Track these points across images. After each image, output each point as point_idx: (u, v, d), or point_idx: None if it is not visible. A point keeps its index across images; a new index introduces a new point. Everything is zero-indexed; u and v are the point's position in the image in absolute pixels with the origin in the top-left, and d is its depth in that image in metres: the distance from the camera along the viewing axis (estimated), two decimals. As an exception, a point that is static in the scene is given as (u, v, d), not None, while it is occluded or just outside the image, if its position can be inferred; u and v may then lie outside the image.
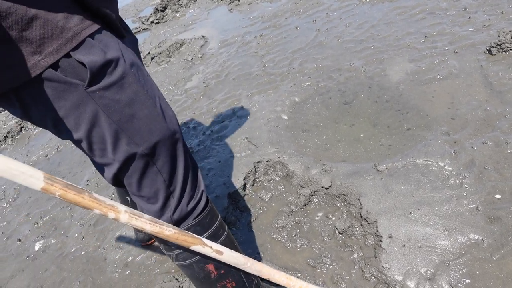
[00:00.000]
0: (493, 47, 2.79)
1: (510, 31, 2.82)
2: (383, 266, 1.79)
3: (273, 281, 1.50)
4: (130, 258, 2.27)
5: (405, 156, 2.27)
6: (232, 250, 1.33)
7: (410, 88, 2.83)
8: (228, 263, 1.32)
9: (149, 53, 4.74)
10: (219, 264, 1.33)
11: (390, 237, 1.88)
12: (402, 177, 2.15)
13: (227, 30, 4.84)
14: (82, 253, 2.42)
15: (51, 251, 2.54)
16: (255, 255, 2.09)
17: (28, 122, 4.07)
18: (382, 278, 1.76)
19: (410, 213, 1.95)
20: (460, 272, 1.69)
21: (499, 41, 2.79)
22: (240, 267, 1.36)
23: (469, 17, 3.34)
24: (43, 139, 3.79)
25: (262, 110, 3.05)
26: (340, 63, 3.36)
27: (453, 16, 3.45)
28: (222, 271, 1.36)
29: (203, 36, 4.82)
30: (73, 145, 3.53)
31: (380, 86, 2.97)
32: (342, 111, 2.90)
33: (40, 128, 4.03)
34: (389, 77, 3.01)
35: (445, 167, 2.13)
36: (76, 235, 2.58)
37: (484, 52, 2.88)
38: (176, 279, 2.00)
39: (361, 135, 2.65)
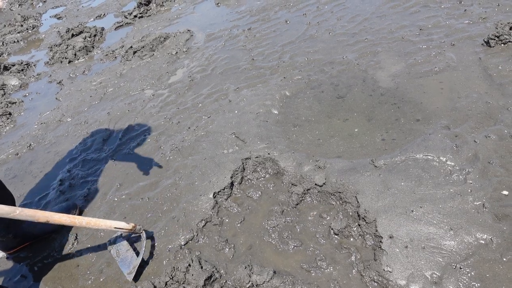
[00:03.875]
0: (492, 39, 2.68)
1: (509, 23, 2.72)
2: (384, 270, 1.62)
3: (53, 222, 1.61)
4: (105, 264, 2.05)
5: (404, 151, 2.12)
6: None
7: (406, 81, 2.69)
8: None
9: (131, 47, 4.50)
10: None
11: (390, 237, 1.72)
12: (401, 173, 1.99)
13: (213, 24, 4.65)
14: (50, 260, 2.19)
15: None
16: (243, 257, 1.90)
17: (-1, 118, 3.79)
18: (384, 282, 1.60)
19: (412, 211, 1.79)
20: (469, 275, 1.54)
21: (497, 33, 2.68)
22: (8, 216, 1.44)
23: (465, 10, 3.23)
24: (14, 136, 3.53)
25: (250, 104, 2.87)
26: (332, 56, 3.21)
27: (448, 9, 3.34)
28: None
29: (188, 30, 4.61)
30: (47, 143, 3.29)
31: (375, 79, 2.83)
32: (335, 105, 2.74)
33: (12, 125, 3.77)
34: (384, 70, 2.87)
35: (447, 162, 1.99)
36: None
37: (482, 44, 2.77)
38: (154, 286, 1.80)
39: (356, 129, 2.49)
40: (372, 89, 2.76)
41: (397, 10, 3.59)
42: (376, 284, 1.63)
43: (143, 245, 1.96)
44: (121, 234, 2.12)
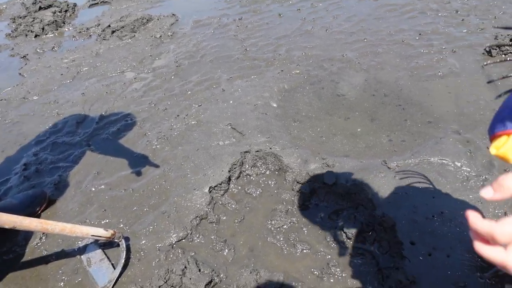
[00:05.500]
0: (493, 48, 2.68)
1: (508, 35, 2.73)
2: (407, 279, 1.49)
3: (20, 229, 1.35)
4: (80, 263, 1.76)
5: (416, 154, 2.02)
6: None
7: (410, 84, 2.62)
8: None
9: (109, 25, 4.14)
10: None
11: (412, 244, 1.60)
12: (417, 176, 1.88)
13: (200, 11, 4.40)
14: (11, 256, 1.85)
15: None
16: (245, 260, 1.70)
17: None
18: (408, 293, 1.46)
19: (433, 217, 1.68)
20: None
21: (498, 43, 2.68)
22: None
23: (462, 19, 3.24)
24: (-32, 111, 3.07)
25: (247, 96, 2.67)
26: (331, 53, 3.09)
27: (446, 17, 3.35)
28: None
29: (173, 14, 4.32)
30: (8, 122, 2.88)
31: (377, 79, 2.73)
32: (336, 103, 2.61)
33: (-34, 99, 3.29)
34: (386, 71, 2.79)
35: (463, 168, 1.90)
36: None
37: (483, 53, 2.76)
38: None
39: (358, 129, 2.38)
40: (374, 89, 2.66)
41: (394, 14, 3.56)
42: (396, 294, 1.49)
43: (123, 256, 1.68)
44: (95, 240, 1.81)
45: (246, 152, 2.19)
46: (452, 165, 1.92)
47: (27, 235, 1.94)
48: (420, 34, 3.15)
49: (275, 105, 2.59)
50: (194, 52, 3.44)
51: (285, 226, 1.83)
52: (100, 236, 1.62)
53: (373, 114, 2.47)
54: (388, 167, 1.95)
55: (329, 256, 1.67)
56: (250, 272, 1.61)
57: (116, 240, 1.70)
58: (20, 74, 3.57)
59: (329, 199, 1.92)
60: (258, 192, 2.04)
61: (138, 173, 2.20)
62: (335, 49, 3.15)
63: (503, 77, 0.88)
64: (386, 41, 3.13)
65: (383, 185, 1.85)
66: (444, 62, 2.75)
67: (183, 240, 1.80)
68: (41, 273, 1.75)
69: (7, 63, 3.83)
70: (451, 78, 2.58)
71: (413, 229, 1.64)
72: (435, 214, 1.68)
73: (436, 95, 2.48)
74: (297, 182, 2.02)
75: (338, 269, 1.60)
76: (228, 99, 2.67)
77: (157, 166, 2.22)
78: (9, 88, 3.33)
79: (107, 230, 1.65)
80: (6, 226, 1.31)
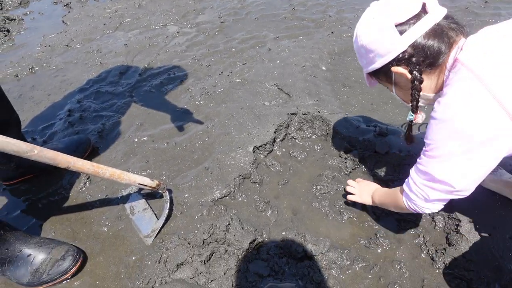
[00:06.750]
0: None
1: None
2: (464, 257, 1.40)
3: (73, 169, 1.34)
4: (123, 210, 1.77)
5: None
6: (8, 137, 1.18)
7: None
8: (4, 151, 1.16)
9: (152, -23, 4.03)
10: None
11: (471, 222, 1.50)
12: (479, 152, 1.75)
13: (245, -33, 4.20)
14: (57, 197, 1.89)
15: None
16: (289, 223, 1.65)
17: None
18: (461, 272, 1.38)
19: (496, 196, 1.56)
20: None
21: None
22: (23, 155, 1.21)
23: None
24: (12, 56, 3.10)
25: (294, 56, 2.55)
26: (386, 18, 2.88)
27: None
28: None
29: (217, -31, 4.15)
30: (52, 68, 2.89)
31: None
32: (389, 71, 2.45)
33: (11, 44, 3.32)
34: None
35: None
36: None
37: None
38: (188, 243, 1.54)
39: (412, 100, 2.23)
40: (432, 58, 2.48)
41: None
42: (450, 271, 1.42)
43: (166, 207, 1.66)
44: (138, 190, 1.81)
45: (293, 114, 2.10)
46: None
47: (72, 179, 1.96)
48: (486, 1, 2.88)
49: (324, 68, 2.46)
50: (239, 9, 3.31)
51: (331, 192, 1.77)
52: (145, 186, 1.61)
53: (429, 85, 2.30)
54: (447, 141, 1.82)
55: (377, 227, 1.61)
56: (295, 235, 1.57)
57: (160, 191, 1.69)
58: (63, 21, 3.55)
59: (380, 168, 1.83)
60: (303, 156, 1.97)
61: (181, 128, 2.17)
62: (390, 13, 2.94)
63: None
64: (447, 7, 2.87)
65: (441, 158, 1.73)
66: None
67: (226, 198, 1.77)
68: (85, 217, 1.78)
69: (50, 10, 3.83)
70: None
71: (473, 207, 1.53)
72: (498, 194, 1.56)
73: None
74: (346, 149, 1.94)
75: (386, 240, 1.54)
76: (274, 58, 2.56)
77: (200, 122, 2.18)
78: (53, 35, 3.33)
79: (153, 180, 1.64)
80: (61, 166, 1.30)
